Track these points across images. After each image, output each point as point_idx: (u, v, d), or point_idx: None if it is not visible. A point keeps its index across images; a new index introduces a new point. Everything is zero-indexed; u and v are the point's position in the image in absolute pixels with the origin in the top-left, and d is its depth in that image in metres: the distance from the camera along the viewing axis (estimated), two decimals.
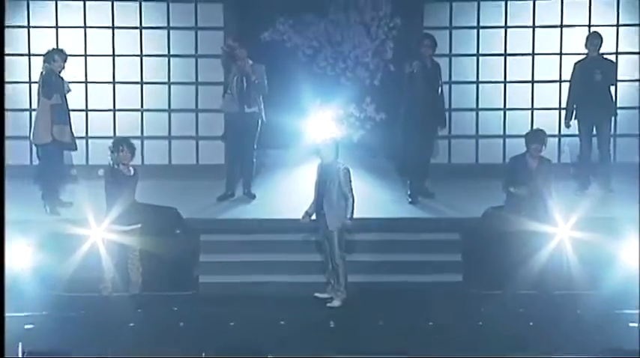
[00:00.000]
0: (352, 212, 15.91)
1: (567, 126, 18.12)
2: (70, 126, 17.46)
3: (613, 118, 18.12)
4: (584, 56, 17.98)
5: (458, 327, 15.16)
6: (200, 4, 18.89)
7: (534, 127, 17.15)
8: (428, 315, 15.49)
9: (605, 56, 18.04)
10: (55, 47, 17.74)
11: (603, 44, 18.06)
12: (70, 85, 17.53)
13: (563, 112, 18.21)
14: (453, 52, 18.94)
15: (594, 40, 17.92)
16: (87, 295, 15.79)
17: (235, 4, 18.73)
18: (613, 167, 17.88)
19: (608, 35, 18.44)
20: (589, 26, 18.74)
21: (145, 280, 15.88)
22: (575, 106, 17.98)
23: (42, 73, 17.42)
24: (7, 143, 18.39)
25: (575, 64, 18.06)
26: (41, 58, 17.56)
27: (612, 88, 18.07)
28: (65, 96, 17.42)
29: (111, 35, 18.94)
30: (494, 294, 15.83)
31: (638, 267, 15.37)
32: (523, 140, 17.88)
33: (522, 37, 19.04)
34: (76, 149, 17.74)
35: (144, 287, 15.83)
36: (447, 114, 18.16)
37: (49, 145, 17.38)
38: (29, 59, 18.54)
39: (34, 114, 17.71)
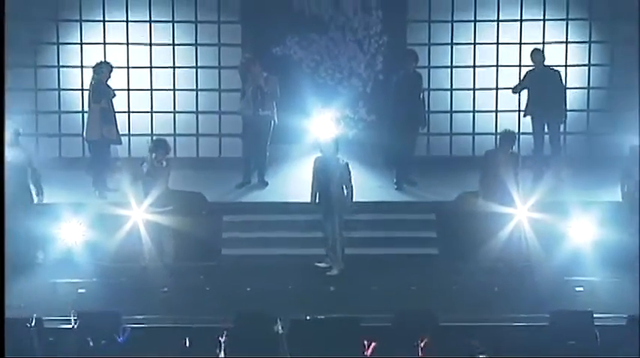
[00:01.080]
0: (352, 198, 16.02)
1: (513, 92, 18.18)
2: (116, 125, 17.50)
3: (562, 118, 17.98)
4: (533, 66, 17.84)
5: (435, 291, 15.22)
6: (222, 24, 18.80)
7: (505, 128, 17.01)
8: (410, 281, 15.53)
9: (552, 67, 17.87)
10: (103, 60, 17.74)
11: (549, 57, 17.99)
12: (115, 92, 17.51)
13: (522, 114, 18.15)
14: (432, 64, 18.85)
15: (536, 56, 17.76)
16: (128, 265, 15.76)
17: (251, 25, 18.63)
18: (563, 160, 17.82)
19: (559, 50, 18.52)
20: (543, 43, 18.66)
21: (176, 253, 15.86)
22: (526, 107, 17.92)
23: (92, 82, 17.47)
24: (66, 139, 18.64)
25: (527, 72, 17.96)
26: (91, 69, 17.57)
27: (560, 93, 17.89)
28: (111, 101, 17.43)
29: (149, 50, 18.87)
30: (465, 265, 15.74)
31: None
32: (489, 137, 18.11)
33: (488, 52, 18.95)
34: (121, 144, 17.76)
35: (175, 259, 15.82)
36: (426, 115, 18.09)
37: (98, 141, 17.43)
38: (82, 71, 18.46)
39: (85, 115, 17.76)
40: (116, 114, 17.53)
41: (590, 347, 12.72)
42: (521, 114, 18.15)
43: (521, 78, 18.04)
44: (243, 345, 12.70)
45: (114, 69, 17.50)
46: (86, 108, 17.74)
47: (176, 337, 12.98)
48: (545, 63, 17.89)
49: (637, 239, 15.74)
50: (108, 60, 17.82)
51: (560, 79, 17.96)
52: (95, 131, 17.40)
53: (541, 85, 17.75)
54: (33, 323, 13.33)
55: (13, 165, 16.22)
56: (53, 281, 15.44)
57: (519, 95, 18.31)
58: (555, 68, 17.98)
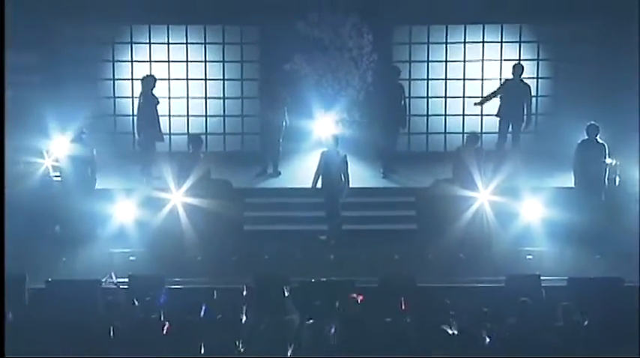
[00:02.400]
0: (348, 184, 16.02)
1: (475, 104, 17.97)
2: (159, 125, 17.49)
3: (524, 120, 17.71)
4: (511, 77, 17.59)
5: (413, 258, 15.28)
6: (244, 45, 18.79)
7: (471, 130, 17.06)
8: (394, 251, 15.58)
9: (523, 79, 17.62)
10: (149, 74, 17.74)
11: (506, 72, 17.95)
12: (159, 99, 17.47)
13: (485, 118, 18.09)
14: (412, 77, 18.82)
15: (517, 69, 17.52)
16: (169, 239, 15.70)
17: (267, 46, 18.57)
18: (518, 153, 17.77)
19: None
20: (500, 60, 18.66)
21: (207, 228, 15.82)
22: (498, 111, 17.63)
23: (140, 92, 17.51)
24: (118, 137, 18.63)
25: (505, 81, 17.73)
26: (139, 81, 17.61)
27: (528, 101, 17.63)
28: (156, 107, 17.40)
29: (185, 66, 18.84)
30: (438, 237, 15.69)
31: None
32: (457, 135, 18.09)
33: (456, 68, 18.90)
34: (163, 141, 17.72)
35: (207, 233, 15.78)
36: (407, 118, 18.03)
37: (145, 139, 17.44)
38: (132, 82, 18.45)
39: (135, 118, 17.75)
40: (159, 117, 17.50)
41: (537, 303, 12.68)
42: (484, 118, 18.11)
43: (500, 85, 17.80)
44: (260, 300, 12.71)
45: (157, 81, 17.45)
46: (135, 112, 17.70)
47: (207, 295, 12.96)
48: (521, 76, 17.65)
49: (582, 217, 15.77)
50: (152, 74, 17.76)
51: (530, 91, 17.69)
52: (143, 130, 17.42)
53: (514, 93, 17.54)
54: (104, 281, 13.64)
55: (78, 158, 16.33)
56: (110, 251, 15.51)
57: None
58: (527, 81, 17.70)
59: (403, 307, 12.45)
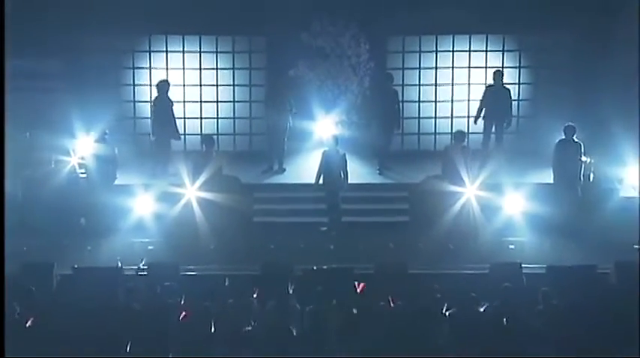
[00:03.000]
0: (347, 180, 15.99)
1: (475, 123, 17.77)
2: (175, 126, 17.40)
3: (506, 121, 17.74)
4: (493, 83, 17.61)
5: (406, 247, 15.26)
6: (252, 54, 18.74)
7: (457, 129, 17.05)
8: (389, 240, 15.56)
9: (505, 85, 17.65)
10: (163, 79, 17.62)
11: (490, 78, 17.83)
12: (173, 102, 17.37)
13: (471, 119, 17.94)
14: (405, 83, 18.74)
15: (497, 76, 17.55)
16: (184, 229, 15.65)
17: (273, 54, 18.51)
18: (502, 152, 17.72)
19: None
20: (485, 68, 18.55)
21: (219, 220, 15.72)
22: (483, 114, 17.63)
23: (156, 95, 17.40)
24: (137, 137, 18.54)
25: (487, 87, 17.72)
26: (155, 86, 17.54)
27: (509, 104, 17.68)
28: (171, 108, 17.30)
29: (199, 73, 18.79)
30: (428, 228, 15.66)
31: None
32: (446, 136, 18.03)
33: (445, 74, 18.83)
34: (180, 139, 17.65)
35: (219, 225, 15.67)
36: (400, 120, 18.01)
37: (162, 138, 17.37)
38: (150, 88, 18.33)
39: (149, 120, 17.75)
40: (175, 118, 17.44)
41: (518, 288, 12.71)
42: (470, 119, 18.04)
43: (483, 93, 17.72)
44: (268, 284, 12.71)
45: (170, 85, 17.35)
46: (151, 115, 17.66)
47: (219, 280, 12.99)
48: (502, 82, 17.65)
49: (560, 210, 15.75)
50: (167, 79, 17.67)
51: (510, 95, 17.69)
52: (159, 130, 17.34)
53: (496, 97, 17.52)
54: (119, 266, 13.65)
55: (101, 156, 16.35)
56: (130, 241, 15.51)
57: (469, 105, 18.27)
58: (507, 86, 17.71)
59: (392, 300, 12.28)
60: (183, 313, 11.66)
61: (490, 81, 17.81)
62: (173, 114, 17.39)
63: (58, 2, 17.25)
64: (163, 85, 17.29)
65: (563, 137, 16.14)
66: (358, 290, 12.58)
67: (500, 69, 18.00)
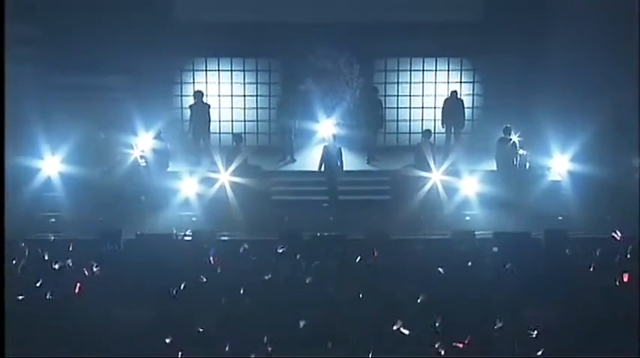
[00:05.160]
0: (343, 168, 16.01)
1: (442, 126, 17.76)
2: (209, 128, 17.34)
3: (462, 125, 17.80)
4: (450, 96, 17.68)
5: (388, 219, 15.15)
6: (271, 72, 18.59)
7: (426, 129, 17.06)
8: (374, 214, 15.51)
9: (458, 97, 17.68)
10: (197, 90, 17.46)
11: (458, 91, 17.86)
12: (210, 107, 17.38)
13: (437, 122, 17.93)
14: (387, 94, 18.56)
15: (453, 92, 17.62)
16: (219, 204, 15.58)
17: (286, 72, 18.35)
18: (459, 147, 17.68)
19: (457, 86, 18.29)
20: (448, 83, 18.42)
21: (245, 198, 15.63)
22: (443, 119, 17.71)
23: (193, 102, 17.31)
24: (184, 136, 18.15)
25: (446, 99, 17.74)
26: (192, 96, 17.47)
27: (461, 112, 17.71)
28: (209, 113, 17.24)
29: (230, 86, 18.63)
30: (405, 205, 15.65)
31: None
32: (418, 134, 17.89)
33: (417, 87, 18.65)
34: (210, 138, 17.41)
35: (245, 202, 15.59)
36: (383, 122, 17.98)
37: (200, 136, 17.21)
38: (194, 98, 17.91)
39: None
40: (210, 119, 17.37)
41: (470, 249, 12.77)
42: (437, 122, 17.99)
43: (443, 104, 17.71)
44: (282, 246, 12.64)
45: (209, 96, 17.35)
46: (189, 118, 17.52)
47: (245, 243, 12.88)
48: (456, 95, 17.76)
49: (502, 190, 15.73)
50: (204, 91, 17.56)
51: (463, 105, 17.75)
52: (198, 130, 17.24)
53: (452, 107, 17.58)
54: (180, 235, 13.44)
55: (157, 150, 16.41)
56: (179, 214, 15.53)
57: (435, 111, 18.25)
58: (460, 98, 17.79)
59: (376, 253, 12.31)
60: (219, 265, 11.69)
61: (449, 94, 17.85)
62: (209, 116, 17.26)
63: (124, 32, 17.12)
64: (198, 94, 17.24)
65: (502, 136, 16.22)
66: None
67: (457, 86, 17.99)
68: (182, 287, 10.89)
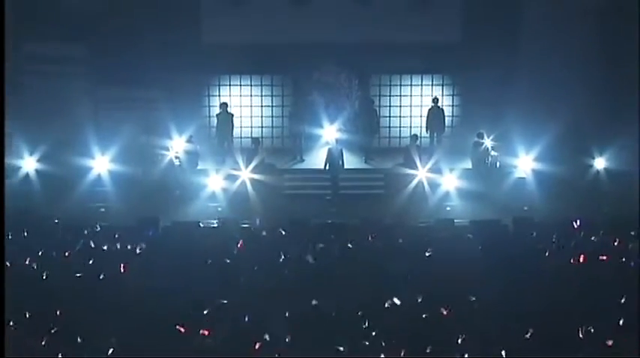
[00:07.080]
0: (343, 166, 16.05)
1: (426, 131, 17.70)
2: (232, 133, 17.36)
3: (442, 131, 17.78)
4: (432, 106, 17.69)
5: (381, 209, 15.11)
6: (284, 86, 18.52)
7: (413, 133, 17.09)
8: (370, 205, 15.46)
9: (439, 106, 17.67)
10: (222, 102, 17.49)
11: (439, 100, 17.82)
12: (234, 116, 17.42)
13: (422, 128, 17.84)
14: (381, 105, 18.46)
15: (435, 100, 17.63)
16: (241, 197, 15.58)
17: (296, 85, 18.28)
18: (442, 149, 17.66)
19: (440, 97, 18.15)
20: (432, 95, 18.21)
21: (262, 192, 15.70)
22: (427, 126, 17.71)
23: (219, 111, 17.36)
24: (211, 140, 18.12)
25: (429, 109, 17.72)
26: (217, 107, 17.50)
27: (442, 119, 17.67)
28: (231, 120, 17.27)
29: (250, 97, 18.57)
30: (396, 198, 15.68)
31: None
32: (407, 138, 17.93)
33: (406, 99, 18.56)
34: (232, 142, 17.42)
35: (262, 195, 15.64)
36: (378, 128, 17.98)
37: (224, 140, 17.24)
38: (219, 108, 18.06)
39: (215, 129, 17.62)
40: (234, 127, 17.42)
41: (450, 235, 12.78)
42: (422, 128, 17.98)
43: (427, 112, 17.70)
44: (293, 232, 12.73)
45: (232, 107, 17.31)
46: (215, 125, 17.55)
47: (263, 229, 12.99)
48: (438, 104, 17.73)
49: (476, 185, 15.72)
50: (227, 102, 17.54)
51: (444, 114, 17.71)
52: (222, 135, 17.26)
53: (435, 115, 17.56)
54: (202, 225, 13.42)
55: (189, 151, 16.42)
56: (207, 205, 15.56)
57: (421, 119, 18.25)
58: (442, 107, 17.78)
59: (372, 237, 12.40)
60: (241, 247, 11.78)
61: (431, 104, 17.84)
62: (232, 124, 17.29)
63: (162, 53, 17.18)
64: (223, 105, 17.28)
65: (476, 139, 16.29)
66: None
67: (439, 97, 17.93)
68: (209, 263, 10.99)
